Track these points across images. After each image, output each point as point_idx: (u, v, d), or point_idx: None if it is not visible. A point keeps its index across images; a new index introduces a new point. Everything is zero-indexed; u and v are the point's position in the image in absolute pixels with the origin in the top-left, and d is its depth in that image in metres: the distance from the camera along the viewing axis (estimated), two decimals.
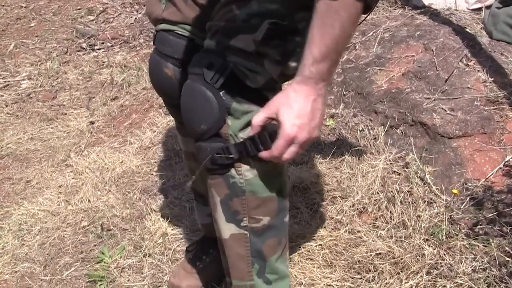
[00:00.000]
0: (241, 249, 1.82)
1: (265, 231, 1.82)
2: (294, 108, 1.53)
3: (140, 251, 2.58)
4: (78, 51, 4.66)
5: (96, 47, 4.66)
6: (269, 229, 1.82)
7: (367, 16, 1.88)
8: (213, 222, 2.27)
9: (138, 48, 4.53)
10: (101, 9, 5.21)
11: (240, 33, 1.62)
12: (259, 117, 1.60)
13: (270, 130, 1.63)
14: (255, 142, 1.65)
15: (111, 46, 4.64)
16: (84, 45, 4.71)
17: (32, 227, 2.85)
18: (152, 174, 3.11)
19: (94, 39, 4.77)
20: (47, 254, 2.68)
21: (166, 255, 2.54)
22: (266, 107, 1.60)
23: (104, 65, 4.35)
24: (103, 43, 4.70)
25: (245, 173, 1.72)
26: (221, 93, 1.64)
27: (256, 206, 1.77)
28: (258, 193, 1.75)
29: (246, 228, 1.79)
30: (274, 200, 1.80)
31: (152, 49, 2.09)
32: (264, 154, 1.63)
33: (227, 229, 1.80)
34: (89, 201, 2.95)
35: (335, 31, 1.43)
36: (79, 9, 5.30)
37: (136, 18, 5.00)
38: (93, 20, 5.09)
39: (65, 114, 3.85)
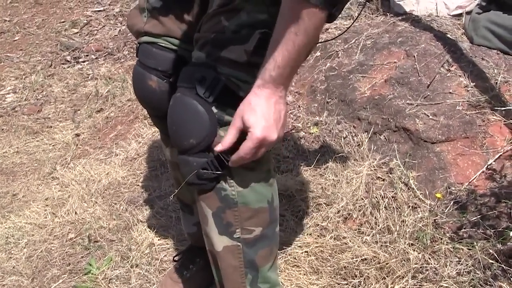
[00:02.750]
0: (235, 260, 1.84)
1: (258, 242, 1.84)
2: (258, 112, 1.54)
3: (127, 261, 2.58)
4: (63, 64, 4.66)
5: (80, 60, 4.67)
6: (261, 240, 1.84)
7: (350, 27, 1.91)
8: (199, 231, 2.29)
9: (122, 60, 4.54)
10: (85, 21, 5.21)
11: (231, 44, 1.63)
12: (229, 137, 1.60)
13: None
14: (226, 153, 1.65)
15: (96, 58, 4.65)
16: (68, 57, 4.72)
17: (19, 240, 2.85)
18: (138, 185, 3.12)
19: (78, 51, 4.78)
20: (34, 266, 2.68)
21: (153, 265, 2.55)
22: (232, 124, 1.60)
23: (89, 78, 4.36)
24: (87, 55, 4.70)
25: (237, 185, 1.73)
26: (213, 107, 1.65)
27: (249, 217, 1.78)
28: (250, 204, 1.76)
29: (239, 240, 1.80)
30: (266, 210, 1.81)
31: (136, 58, 2.09)
32: (233, 160, 1.64)
33: (220, 242, 1.81)
34: (75, 213, 2.96)
35: (299, 38, 1.44)
36: (63, 22, 5.30)
37: (120, 30, 5.01)
38: (77, 32, 5.10)
39: (51, 127, 3.85)
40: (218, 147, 1.62)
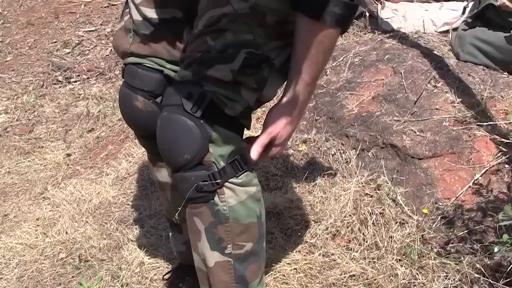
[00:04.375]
0: (226, 276, 1.85)
1: (248, 257, 1.86)
2: (289, 130, 1.79)
3: (118, 281, 2.58)
4: (54, 84, 4.67)
5: (72, 80, 4.67)
6: (251, 255, 1.86)
7: None
8: (188, 250, 2.30)
9: (114, 80, 4.55)
10: (77, 41, 5.23)
11: (217, 63, 1.66)
12: (260, 147, 1.78)
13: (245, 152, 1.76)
14: (236, 164, 1.74)
15: (87, 78, 4.66)
16: (60, 78, 4.73)
17: (10, 260, 2.85)
18: (128, 204, 3.13)
19: (70, 71, 4.78)
20: (25, 287, 2.68)
21: (144, 284, 2.55)
22: (264, 136, 1.77)
23: (80, 98, 4.36)
24: (79, 75, 4.71)
25: (229, 200, 1.75)
26: (201, 121, 1.67)
27: (240, 232, 1.81)
28: (241, 219, 1.79)
29: (230, 255, 1.83)
30: (255, 226, 1.84)
31: (122, 79, 2.10)
32: (254, 151, 1.77)
33: (211, 258, 1.83)
34: (66, 233, 2.96)
35: (320, 57, 1.63)
36: (55, 42, 5.31)
37: (111, 50, 5.01)
38: (69, 53, 5.11)
39: (42, 147, 3.86)
40: (254, 153, 1.78)
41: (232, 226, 1.78)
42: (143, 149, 3.44)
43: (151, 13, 1.93)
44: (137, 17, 1.96)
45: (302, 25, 1.57)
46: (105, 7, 5.77)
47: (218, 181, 1.72)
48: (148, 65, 1.99)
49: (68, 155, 3.71)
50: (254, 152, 1.75)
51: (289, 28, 1.63)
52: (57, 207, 3.18)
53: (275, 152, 1.80)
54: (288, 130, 1.76)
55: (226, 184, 1.74)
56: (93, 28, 5.45)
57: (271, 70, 1.70)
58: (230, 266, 1.84)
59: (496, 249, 2.09)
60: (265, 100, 1.80)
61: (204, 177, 1.71)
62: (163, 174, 2.19)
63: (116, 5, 5.75)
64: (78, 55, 5.07)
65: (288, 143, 2.63)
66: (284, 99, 1.72)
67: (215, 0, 1.68)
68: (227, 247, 1.81)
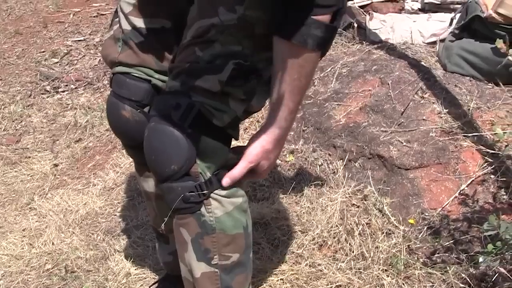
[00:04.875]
0: (212, 286, 1.85)
1: (234, 268, 1.86)
2: (271, 160, 1.78)
3: None
4: (42, 94, 4.66)
5: (60, 90, 4.66)
6: (238, 266, 1.86)
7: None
8: (175, 260, 2.29)
9: (102, 90, 4.54)
10: (65, 51, 5.22)
11: (205, 74, 1.66)
12: (241, 171, 1.75)
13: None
14: (222, 176, 1.74)
15: (75, 88, 4.64)
16: (48, 87, 4.71)
17: None
18: (115, 215, 3.12)
19: (58, 81, 4.77)
20: None
21: None
22: (246, 161, 1.75)
23: (68, 108, 4.35)
24: (67, 85, 4.70)
25: (215, 211, 1.75)
26: (189, 131, 1.67)
27: (226, 243, 1.80)
28: (228, 230, 1.79)
29: (216, 266, 1.82)
30: (242, 236, 1.84)
31: (109, 88, 2.09)
32: (226, 179, 1.74)
33: (198, 269, 1.83)
34: (53, 243, 2.94)
35: (303, 82, 1.62)
36: (43, 51, 5.30)
37: (100, 60, 5.00)
38: (57, 62, 5.09)
39: (29, 157, 3.84)
40: (227, 180, 1.75)
41: (218, 237, 1.78)
42: (131, 159, 3.43)
43: (140, 23, 1.94)
44: (126, 26, 1.96)
45: (283, 50, 1.56)
46: (94, 16, 5.76)
47: (204, 192, 1.71)
48: (136, 75, 1.98)
49: (55, 165, 3.70)
50: (231, 178, 1.75)
51: None
52: (43, 217, 3.17)
53: (257, 178, 1.81)
54: (270, 160, 1.76)
55: (212, 195, 1.73)
56: (81, 38, 5.44)
57: (259, 81, 1.71)
58: (217, 277, 1.84)
59: (481, 259, 2.09)
60: (253, 111, 1.81)
61: (191, 187, 1.71)
62: (150, 184, 2.18)
63: (105, 15, 5.74)
64: (67, 64, 5.06)
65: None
66: (267, 127, 1.71)
67: (204, 10, 1.68)
68: (213, 257, 1.81)
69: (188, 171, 1.69)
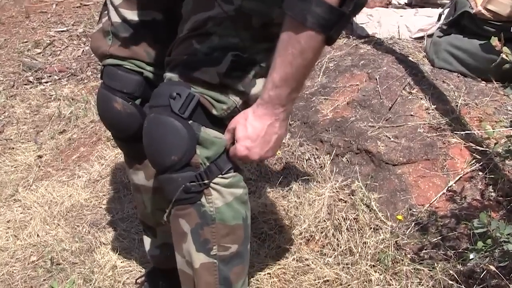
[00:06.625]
0: (210, 277, 1.84)
1: (232, 259, 1.85)
2: (249, 130, 1.64)
3: (90, 284, 2.56)
4: (25, 84, 4.61)
5: (43, 80, 4.62)
6: (236, 257, 1.86)
7: None
8: (162, 253, 2.29)
9: (85, 81, 4.51)
10: (48, 42, 5.18)
11: (203, 66, 1.65)
12: (226, 138, 1.73)
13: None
14: (220, 163, 1.72)
15: (59, 79, 4.61)
16: (31, 78, 4.67)
17: None
18: (101, 207, 3.10)
19: (41, 72, 4.73)
20: None
21: None
22: (227, 129, 1.72)
23: (52, 99, 4.31)
24: (50, 76, 4.66)
25: (215, 201, 1.75)
26: (189, 122, 1.67)
27: (226, 234, 1.80)
28: (227, 221, 1.78)
29: (215, 257, 1.82)
30: (241, 228, 1.84)
31: (100, 83, 2.07)
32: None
33: (197, 259, 1.81)
34: (38, 235, 2.92)
35: (296, 60, 1.51)
36: (26, 42, 5.25)
37: (83, 50, 4.98)
38: (40, 53, 5.05)
39: (13, 148, 3.81)
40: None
41: (218, 228, 1.78)
42: (116, 151, 3.42)
43: (131, 15, 1.92)
44: (116, 19, 1.95)
45: (285, 23, 1.51)
46: (77, 7, 5.72)
47: (205, 181, 1.71)
48: (128, 67, 1.97)
49: (39, 156, 3.67)
50: None
51: (275, 31, 1.61)
52: (28, 209, 3.14)
53: (234, 152, 1.71)
54: (246, 130, 1.66)
55: (213, 185, 1.73)
56: (64, 29, 5.40)
57: (258, 73, 1.70)
58: (215, 267, 1.83)
59: (471, 256, 2.09)
60: (252, 102, 1.78)
61: (191, 178, 1.70)
62: (139, 177, 2.17)
63: (88, 5, 5.71)
64: (50, 55, 5.02)
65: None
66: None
67: (200, 3, 1.67)
68: (212, 248, 1.80)
69: (189, 161, 1.69)
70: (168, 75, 1.72)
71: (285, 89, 1.57)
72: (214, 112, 1.68)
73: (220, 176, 1.73)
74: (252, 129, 1.65)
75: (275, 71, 1.55)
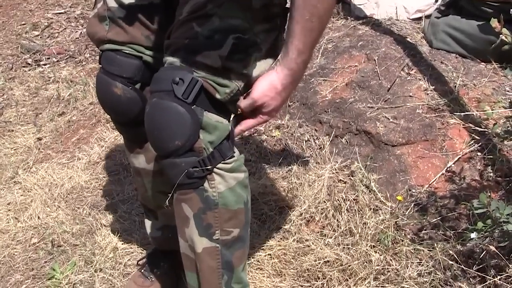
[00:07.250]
0: (213, 261, 1.86)
1: (234, 243, 1.87)
2: (279, 101, 1.74)
3: (91, 266, 2.58)
4: (24, 67, 4.61)
5: (41, 63, 4.62)
6: (237, 241, 1.87)
7: None
8: (163, 235, 2.30)
9: (84, 63, 4.51)
10: (46, 24, 5.16)
11: (205, 50, 1.66)
12: (246, 105, 1.76)
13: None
14: (223, 148, 1.74)
15: (57, 61, 4.60)
16: (29, 60, 4.67)
17: None
18: (101, 189, 3.11)
19: (39, 54, 4.72)
20: None
21: (117, 270, 2.55)
22: (251, 97, 1.74)
23: (50, 81, 4.31)
24: (48, 58, 4.65)
25: (218, 186, 1.76)
26: (192, 107, 1.67)
27: (228, 218, 1.81)
28: (230, 205, 1.80)
29: (218, 241, 1.83)
30: (243, 212, 1.85)
31: (98, 65, 2.07)
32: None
33: (200, 244, 1.82)
34: (38, 217, 2.94)
35: (314, 24, 1.55)
36: (24, 24, 5.24)
37: (81, 32, 4.97)
38: (38, 35, 5.04)
39: (12, 130, 3.81)
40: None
41: (221, 212, 1.79)
42: (115, 133, 3.43)
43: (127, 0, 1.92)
44: (112, 3, 1.94)
45: None
46: None
47: (208, 167, 1.72)
48: (127, 51, 1.97)
49: (39, 139, 3.68)
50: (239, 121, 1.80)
51: (275, 11, 1.62)
52: (28, 191, 3.16)
53: (260, 122, 1.78)
54: (277, 101, 1.72)
55: (216, 170, 1.74)
56: (62, 11, 5.38)
57: (259, 54, 1.71)
58: (218, 252, 1.84)
59: (473, 235, 2.11)
60: (253, 83, 1.80)
61: (194, 163, 1.71)
62: (140, 161, 2.18)
63: None
64: (48, 37, 5.01)
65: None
66: (276, 67, 1.69)
67: None
68: (215, 233, 1.81)
69: (192, 146, 1.69)
70: (169, 59, 1.72)
71: (309, 54, 1.64)
72: (218, 96, 1.68)
73: (223, 161, 1.74)
74: (282, 100, 1.72)
75: (296, 38, 1.58)
